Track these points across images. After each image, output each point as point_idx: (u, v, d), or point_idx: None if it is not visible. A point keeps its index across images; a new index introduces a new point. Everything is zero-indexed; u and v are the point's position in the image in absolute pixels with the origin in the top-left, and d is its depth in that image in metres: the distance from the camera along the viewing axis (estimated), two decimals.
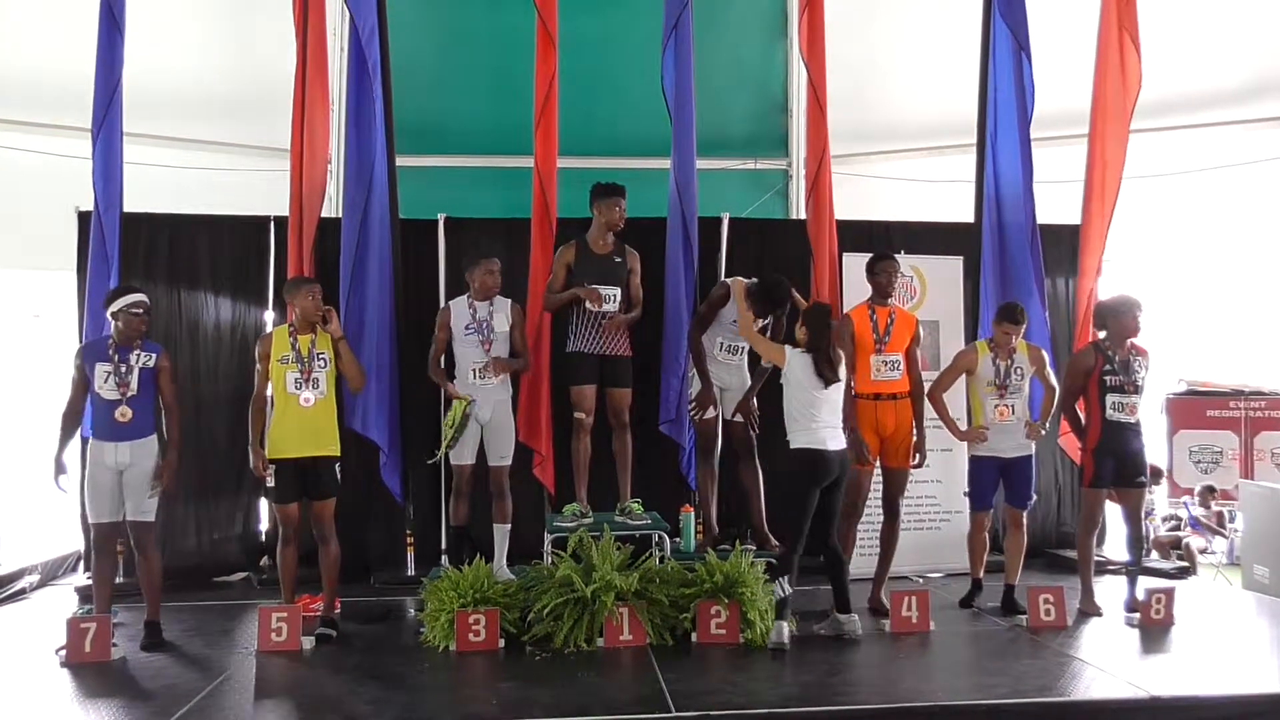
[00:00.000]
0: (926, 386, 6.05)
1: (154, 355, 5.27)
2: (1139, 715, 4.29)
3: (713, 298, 6.17)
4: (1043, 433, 5.92)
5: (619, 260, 6.11)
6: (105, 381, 5.13)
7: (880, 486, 5.99)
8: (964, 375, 6.00)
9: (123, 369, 5.15)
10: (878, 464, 5.86)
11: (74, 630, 4.92)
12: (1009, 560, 5.94)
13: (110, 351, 5.18)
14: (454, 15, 9.02)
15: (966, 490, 6.09)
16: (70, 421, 5.25)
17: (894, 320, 5.84)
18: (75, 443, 5.27)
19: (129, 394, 5.15)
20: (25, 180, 8.18)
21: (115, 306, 5.22)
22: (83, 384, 5.21)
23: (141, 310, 5.23)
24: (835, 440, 5.25)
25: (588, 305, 5.97)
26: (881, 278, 5.88)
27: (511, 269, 6.86)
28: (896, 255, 7.06)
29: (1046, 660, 4.86)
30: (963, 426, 6.14)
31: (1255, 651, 5.20)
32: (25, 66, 8.32)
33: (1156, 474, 9.62)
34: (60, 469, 5.19)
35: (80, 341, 6.72)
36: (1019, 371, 5.86)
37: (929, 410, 5.99)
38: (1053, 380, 6.02)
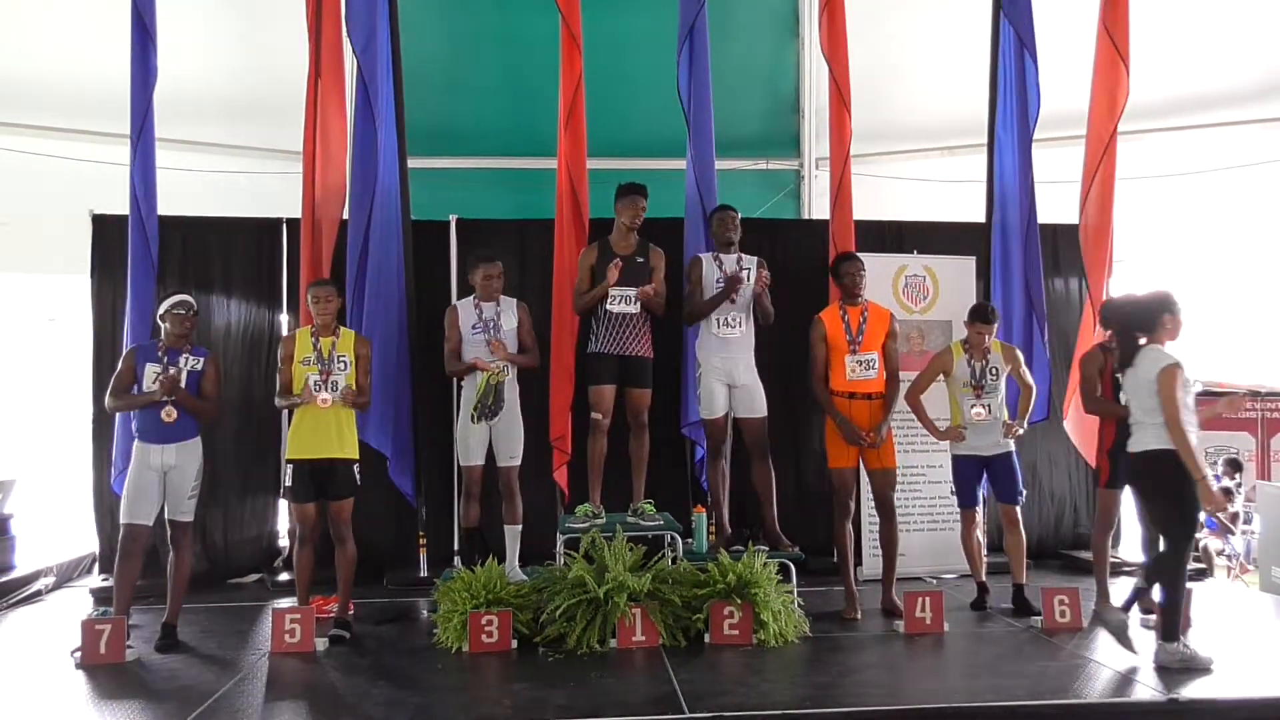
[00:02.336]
0: (905, 386, 6.06)
1: (201, 359, 5.34)
2: (1157, 718, 4.24)
3: (692, 276, 6.15)
4: (1019, 431, 5.94)
5: (641, 261, 6.08)
6: (153, 383, 5.18)
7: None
8: (942, 377, 6.03)
9: (171, 370, 5.20)
10: (862, 465, 5.85)
11: (89, 632, 4.93)
12: (1012, 560, 5.94)
13: (160, 353, 5.26)
14: (466, 17, 9.03)
15: (952, 489, 6.11)
16: (119, 391, 5.25)
17: (866, 318, 5.82)
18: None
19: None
20: (40, 184, 8.22)
21: (161, 309, 5.34)
22: (129, 378, 5.26)
23: (183, 310, 5.30)
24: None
25: (609, 290, 5.95)
26: (846, 280, 5.87)
27: (524, 271, 6.90)
28: (910, 254, 7.07)
29: (1062, 662, 4.84)
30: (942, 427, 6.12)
31: (1273, 654, 5.16)
32: (40, 72, 8.36)
33: (1236, 465, 9.54)
34: (173, 383, 5.13)
35: (94, 346, 6.80)
36: (994, 371, 5.91)
37: (940, 409, 5.99)
38: (1029, 379, 6.06)
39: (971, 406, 5.88)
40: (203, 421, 5.37)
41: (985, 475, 5.99)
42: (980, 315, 5.93)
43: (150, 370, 5.21)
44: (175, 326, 5.27)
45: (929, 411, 6.07)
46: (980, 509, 6.06)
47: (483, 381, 5.72)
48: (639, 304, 6.01)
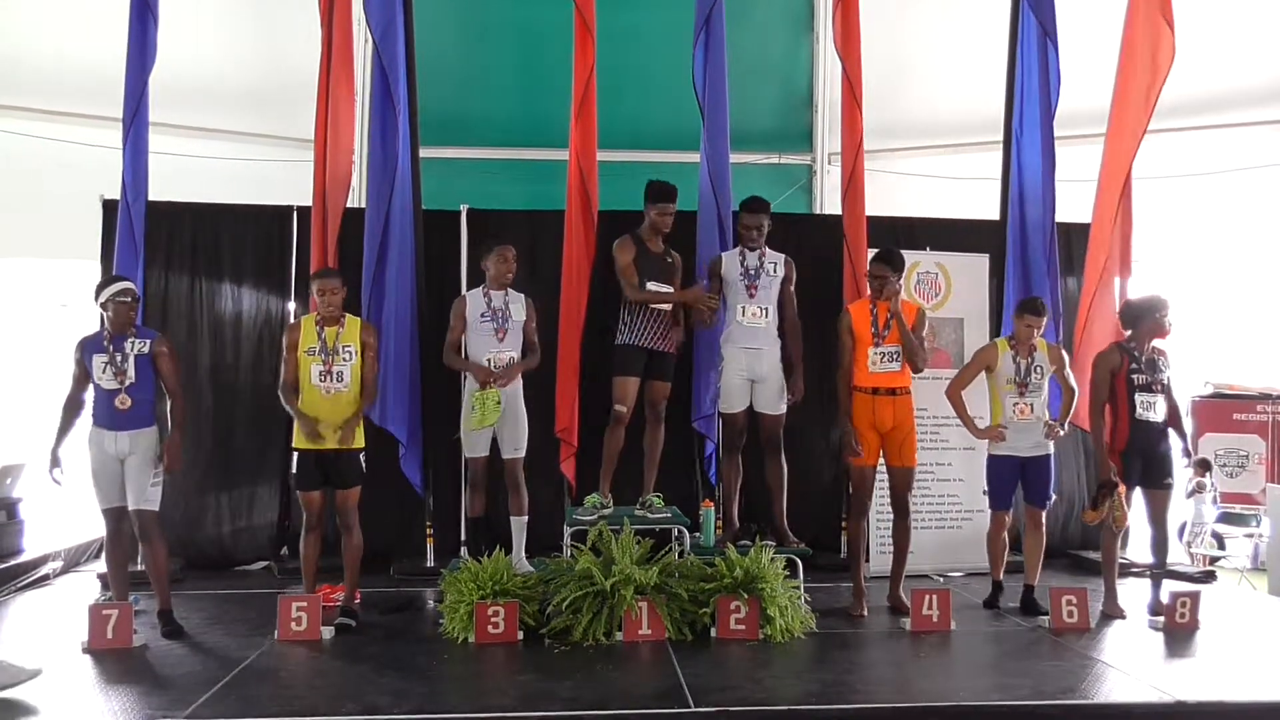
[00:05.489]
0: (944, 384, 6.02)
1: (149, 341, 5.25)
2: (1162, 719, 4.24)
3: (711, 273, 6.18)
4: (1061, 432, 5.89)
5: (669, 261, 6.15)
6: (103, 372, 5.12)
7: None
8: (983, 373, 5.96)
9: (118, 358, 5.14)
10: (881, 461, 5.81)
11: (96, 617, 4.94)
12: (1028, 561, 5.90)
13: (105, 342, 5.17)
14: (479, 8, 9.03)
15: (985, 489, 6.06)
16: (69, 412, 5.24)
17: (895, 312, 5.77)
18: (79, 435, 5.24)
19: (127, 382, 5.13)
20: (51, 169, 8.23)
21: (103, 296, 5.21)
22: (83, 377, 5.21)
23: (129, 298, 5.22)
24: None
25: (649, 285, 6.02)
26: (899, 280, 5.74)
27: (535, 261, 6.89)
28: (922, 251, 7.08)
29: (1069, 662, 4.82)
30: (980, 425, 6.08)
31: None
32: (51, 55, 8.38)
33: (1205, 465, 9.54)
34: (55, 462, 5.20)
35: None
36: (1039, 370, 5.82)
37: (946, 407, 5.97)
38: (1072, 381, 5.98)
39: (1014, 404, 5.78)
40: (177, 407, 5.35)
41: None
42: (1030, 308, 5.83)
43: (98, 360, 5.12)
44: (118, 315, 5.16)
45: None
46: (1013, 512, 5.98)
47: (488, 399, 5.70)
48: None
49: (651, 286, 6.03)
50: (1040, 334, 5.85)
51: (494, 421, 5.75)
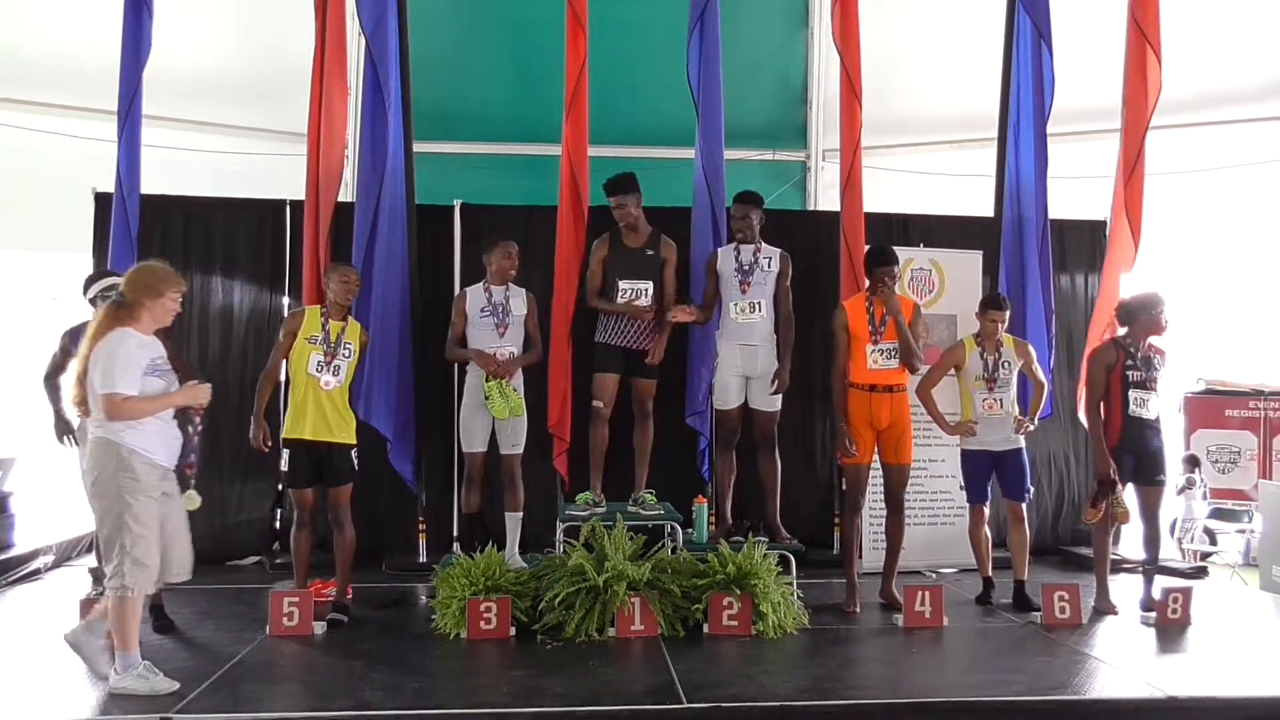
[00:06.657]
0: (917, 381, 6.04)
1: None
2: (1156, 715, 4.25)
3: (708, 270, 6.15)
4: (1030, 427, 5.94)
5: (651, 254, 6.05)
6: None
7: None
8: (953, 371, 6.01)
9: None
10: (876, 459, 5.81)
11: (87, 611, 4.91)
12: (1015, 556, 5.93)
13: None
14: (473, 2, 9.00)
15: (962, 484, 6.11)
16: (53, 386, 5.32)
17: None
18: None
19: None
20: (44, 162, 8.20)
21: (92, 291, 5.18)
22: (64, 362, 5.20)
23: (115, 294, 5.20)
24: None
25: (620, 284, 5.96)
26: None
27: (529, 256, 6.85)
28: (916, 248, 7.07)
29: (1061, 658, 4.83)
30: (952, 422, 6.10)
31: (1274, 653, 5.14)
32: (45, 48, 8.33)
33: (1194, 461, 9.59)
34: (65, 428, 5.34)
35: None
36: (1006, 365, 5.89)
37: (940, 403, 5.98)
38: (1040, 375, 6.06)
39: (983, 400, 5.86)
40: None
41: (994, 471, 5.96)
42: (994, 303, 5.93)
43: None
44: None
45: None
46: (989, 504, 6.02)
47: (492, 389, 5.68)
48: (650, 297, 5.99)
49: (624, 284, 5.97)
50: (1004, 328, 5.90)
51: (522, 411, 5.75)
